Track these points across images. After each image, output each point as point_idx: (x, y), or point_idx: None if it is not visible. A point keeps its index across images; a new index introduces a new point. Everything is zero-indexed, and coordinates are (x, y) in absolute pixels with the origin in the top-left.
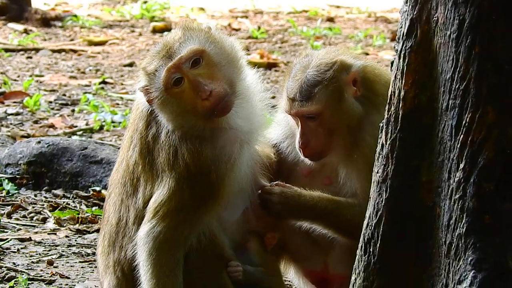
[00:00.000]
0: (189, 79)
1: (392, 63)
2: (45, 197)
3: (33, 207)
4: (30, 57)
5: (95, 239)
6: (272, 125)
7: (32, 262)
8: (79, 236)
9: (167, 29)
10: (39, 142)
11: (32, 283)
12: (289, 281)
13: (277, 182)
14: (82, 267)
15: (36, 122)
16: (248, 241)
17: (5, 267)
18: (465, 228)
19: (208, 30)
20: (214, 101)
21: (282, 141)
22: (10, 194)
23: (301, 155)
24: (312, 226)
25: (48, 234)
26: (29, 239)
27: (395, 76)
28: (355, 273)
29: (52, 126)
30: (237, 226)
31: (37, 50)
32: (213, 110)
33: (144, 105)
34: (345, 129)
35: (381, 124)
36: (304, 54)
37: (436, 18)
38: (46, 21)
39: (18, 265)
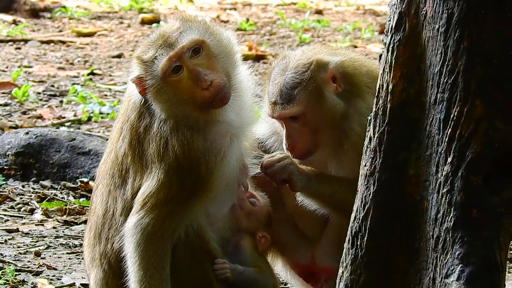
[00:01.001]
0: (188, 69)
1: (380, 56)
2: (32, 188)
3: (21, 198)
4: (19, 48)
5: (82, 230)
6: (259, 121)
7: (20, 253)
8: (67, 228)
9: (156, 20)
10: (27, 133)
11: (19, 274)
12: (277, 274)
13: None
14: (69, 259)
15: (24, 113)
16: (240, 240)
17: None
18: (452, 222)
19: (206, 22)
20: (214, 92)
21: (269, 137)
22: None
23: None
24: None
25: (36, 225)
26: (17, 230)
27: (383, 70)
28: (342, 267)
29: (40, 117)
30: (225, 222)
31: (25, 41)
32: (212, 101)
33: (136, 96)
34: (330, 125)
35: (369, 118)
36: (282, 56)
37: (424, 12)
38: (35, 12)
39: (5, 256)
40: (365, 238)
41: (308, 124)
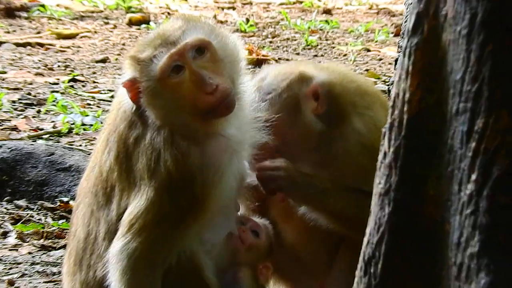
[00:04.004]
0: (191, 70)
1: (396, 61)
2: (6, 208)
3: None
4: None
5: (61, 256)
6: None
7: None
8: (44, 253)
9: (145, 21)
10: (0, 146)
11: None
12: None
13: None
14: None
15: None
16: (237, 272)
17: None
18: (477, 247)
19: (210, 23)
20: (220, 97)
21: None
22: None
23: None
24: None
25: (9, 250)
26: None
27: (399, 77)
28: None
29: (15, 128)
30: (221, 249)
31: None
32: (216, 107)
33: (127, 103)
34: (305, 144)
35: (383, 130)
36: (265, 67)
37: (445, 13)
38: (10, 12)
39: None
40: (379, 265)
41: (277, 136)
